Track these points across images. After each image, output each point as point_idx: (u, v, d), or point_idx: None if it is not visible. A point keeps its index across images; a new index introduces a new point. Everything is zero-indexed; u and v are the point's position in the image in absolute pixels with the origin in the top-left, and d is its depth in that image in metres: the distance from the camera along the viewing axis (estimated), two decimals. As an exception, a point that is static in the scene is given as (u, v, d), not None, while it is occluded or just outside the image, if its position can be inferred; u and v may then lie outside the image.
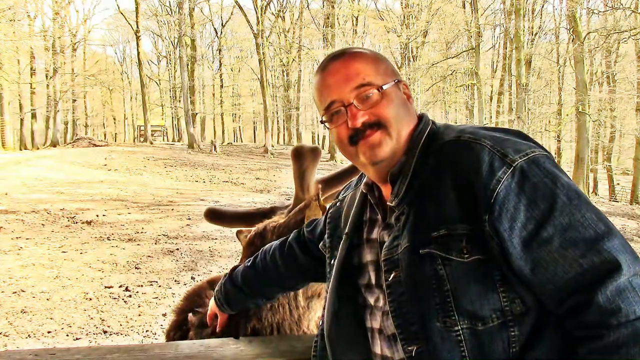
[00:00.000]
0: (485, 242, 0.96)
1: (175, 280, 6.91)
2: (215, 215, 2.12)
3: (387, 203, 1.12)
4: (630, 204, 20.23)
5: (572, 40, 24.19)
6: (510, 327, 0.95)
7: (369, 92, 1.08)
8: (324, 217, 1.43)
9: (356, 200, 1.26)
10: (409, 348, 1.02)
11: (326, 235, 1.34)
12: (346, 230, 1.23)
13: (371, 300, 1.16)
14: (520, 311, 0.96)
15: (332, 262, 1.25)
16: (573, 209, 0.91)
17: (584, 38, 22.25)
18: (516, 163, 0.95)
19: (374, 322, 1.15)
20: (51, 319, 5.34)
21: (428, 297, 1.00)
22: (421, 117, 1.17)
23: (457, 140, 1.02)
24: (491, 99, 35.89)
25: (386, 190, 1.16)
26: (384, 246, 1.10)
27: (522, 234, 0.92)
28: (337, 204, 1.36)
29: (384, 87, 1.09)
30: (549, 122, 29.94)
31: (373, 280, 1.16)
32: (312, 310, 1.70)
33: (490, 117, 32.25)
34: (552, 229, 0.91)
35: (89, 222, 10.41)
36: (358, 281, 1.20)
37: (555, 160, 1.02)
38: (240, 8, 34.83)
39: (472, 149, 0.99)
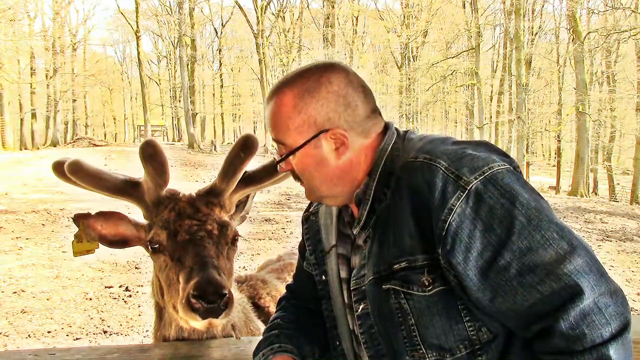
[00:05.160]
0: (445, 272, 0.94)
1: (175, 280, 6.90)
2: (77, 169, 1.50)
3: (352, 229, 1.10)
4: (630, 204, 20.22)
5: (572, 40, 24.19)
6: (478, 355, 0.95)
7: (282, 149, 1.06)
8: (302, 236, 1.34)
9: (333, 211, 1.20)
10: None
11: (308, 253, 1.27)
12: (333, 242, 1.18)
13: (349, 321, 1.15)
14: (487, 338, 0.95)
15: (323, 277, 1.20)
16: (532, 230, 0.87)
17: (584, 38, 22.25)
18: (471, 185, 0.90)
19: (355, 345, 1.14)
20: (51, 319, 5.33)
21: (396, 331, 0.99)
22: (386, 129, 1.09)
23: (413, 162, 0.98)
24: (491, 99, 35.88)
25: (356, 210, 1.11)
26: (352, 274, 1.09)
27: (478, 263, 0.89)
28: (312, 218, 1.28)
29: (295, 150, 1.03)
30: (549, 122, 29.94)
31: (346, 300, 1.14)
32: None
33: (490, 117, 32.25)
34: (510, 254, 0.87)
35: (89, 222, 10.41)
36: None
37: (518, 171, 0.97)
38: (240, 8, 34.84)
39: (426, 172, 0.94)
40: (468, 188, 0.90)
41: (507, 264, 0.87)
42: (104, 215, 1.59)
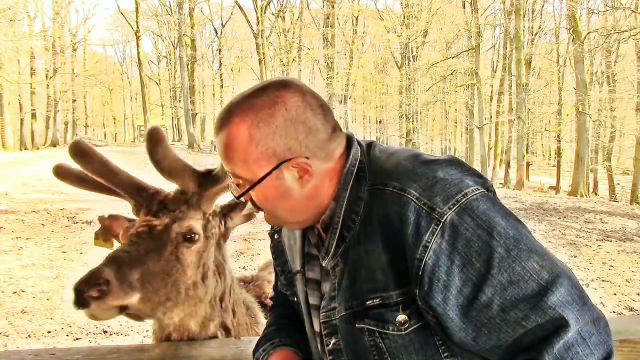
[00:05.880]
0: (422, 311, 0.90)
1: (175, 280, 6.90)
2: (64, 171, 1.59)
3: (320, 259, 1.04)
4: (630, 204, 20.21)
5: (572, 40, 24.20)
6: None
7: (240, 182, 0.98)
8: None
9: (296, 233, 1.12)
10: None
11: (279, 274, 1.23)
12: (298, 267, 1.12)
13: (319, 350, 1.11)
14: None
15: (295, 299, 1.17)
16: (512, 261, 0.84)
17: (584, 38, 22.26)
18: (445, 217, 0.86)
19: None
20: (51, 319, 5.33)
21: None
22: (349, 144, 1.01)
23: (382, 191, 0.92)
24: (491, 99, 35.89)
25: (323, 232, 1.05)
26: (322, 305, 1.04)
27: (458, 301, 0.85)
28: (276, 236, 1.23)
29: (255, 185, 0.95)
30: (549, 122, 29.97)
31: (316, 328, 1.10)
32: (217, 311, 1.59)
33: (490, 117, 32.25)
34: (491, 290, 0.83)
35: (89, 222, 10.41)
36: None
37: (492, 193, 0.93)
38: (240, 8, 34.89)
39: (396, 204, 0.89)
40: (442, 220, 0.86)
41: (489, 300, 0.84)
42: (115, 217, 1.69)
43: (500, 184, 26.33)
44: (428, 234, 0.86)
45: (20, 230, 9.40)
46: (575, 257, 8.66)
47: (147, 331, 5.13)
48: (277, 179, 0.94)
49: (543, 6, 31.54)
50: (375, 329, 0.93)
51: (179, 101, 39.89)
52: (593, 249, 9.35)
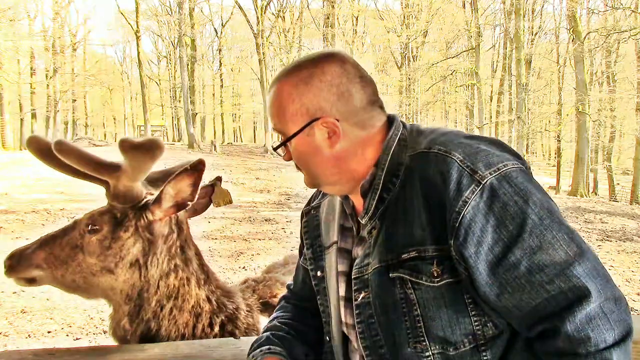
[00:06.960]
0: (455, 264, 0.93)
1: (175, 280, 6.89)
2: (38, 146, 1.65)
3: (359, 219, 1.09)
4: (630, 204, 20.21)
5: (572, 40, 24.17)
6: (482, 350, 0.95)
7: (280, 137, 1.10)
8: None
9: (337, 207, 1.20)
10: None
11: (306, 247, 1.27)
12: (334, 239, 1.17)
13: (342, 314, 1.14)
14: (492, 334, 0.95)
15: (319, 273, 1.20)
16: (544, 229, 0.87)
17: (584, 38, 22.25)
18: (486, 180, 0.90)
19: (352, 338, 1.13)
20: (51, 319, 5.33)
21: (399, 321, 0.98)
22: (391, 121, 1.09)
23: (427, 153, 0.98)
24: (491, 99, 35.87)
25: (358, 202, 1.11)
26: (355, 263, 1.08)
27: (488, 258, 0.89)
28: (313, 212, 1.29)
29: (289, 138, 1.07)
30: (549, 122, 29.93)
31: (343, 293, 1.13)
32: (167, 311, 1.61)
33: (490, 117, 32.25)
34: (520, 252, 0.87)
35: (89, 222, 10.42)
36: None
37: (530, 172, 0.97)
38: (240, 8, 34.84)
39: (441, 164, 0.94)
40: (483, 182, 0.90)
41: (517, 261, 0.87)
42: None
43: (500, 184, 26.21)
44: (469, 191, 0.90)
45: (20, 230, 9.40)
46: (575, 257, 8.65)
47: (147, 331, 5.14)
48: (309, 135, 1.04)
49: (543, 6, 31.50)
50: (409, 277, 0.96)
51: (179, 101, 39.86)
52: (593, 249, 9.35)
